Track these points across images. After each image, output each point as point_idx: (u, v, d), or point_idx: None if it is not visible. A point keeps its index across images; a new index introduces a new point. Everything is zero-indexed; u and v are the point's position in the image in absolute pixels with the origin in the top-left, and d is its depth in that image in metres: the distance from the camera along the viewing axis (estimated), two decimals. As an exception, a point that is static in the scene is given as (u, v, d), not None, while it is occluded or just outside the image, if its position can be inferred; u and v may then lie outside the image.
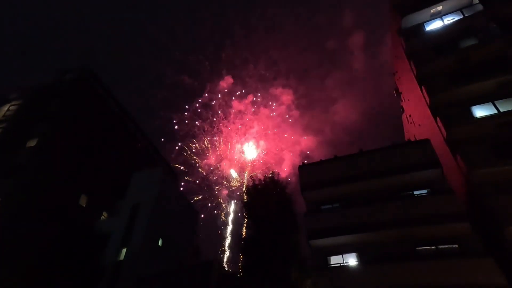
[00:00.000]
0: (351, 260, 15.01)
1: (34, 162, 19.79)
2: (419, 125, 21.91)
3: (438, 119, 16.72)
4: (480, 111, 15.77)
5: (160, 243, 22.64)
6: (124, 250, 20.28)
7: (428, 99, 17.71)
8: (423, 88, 18.29)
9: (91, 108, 25.28)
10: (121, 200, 23.56)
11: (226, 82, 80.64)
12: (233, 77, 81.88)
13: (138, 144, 31.17)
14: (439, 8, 20.11)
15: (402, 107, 27.77)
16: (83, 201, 22.38)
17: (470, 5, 19.26)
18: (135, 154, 30.13)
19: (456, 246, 13.07)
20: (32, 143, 20.98)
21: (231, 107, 79.21)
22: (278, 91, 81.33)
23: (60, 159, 21.13)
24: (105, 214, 24.04)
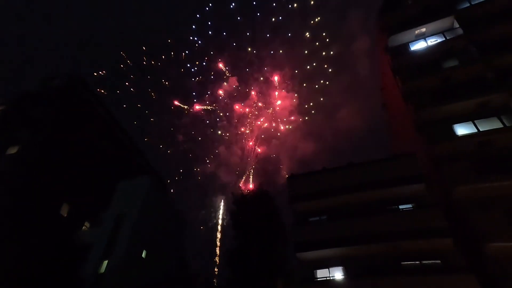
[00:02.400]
0: (338, 274, 15.03)
1: (14, 169, 19.08)
2: (405, 140, 22.56)
3: (421, 135, 17.28)
4: (461, 129, 16.43)
5: (144, 255, 21.98)
6: (106, 262, 19.55)
7: (412, 116, 18.32)
8: (408, 104, 18.94)
9: (77, 115, 24.72)
10: (105, 210, 22.87)
11: (229, 85, 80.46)
12: (234, 80, 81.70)
13: (125, 152, 30.56)
14: (423, 30, 21.13)
15: (389, 121, 28.58)
16: (64, 211, 21.57)
17: (451, 28, 20.34)
18: (122, 162, 29.50)
19: (439, 261, 13.33)
20: (13, 150, 20.28)
21: (233, 110, 78.63)
22: (282, 95, 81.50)
23: (41, 167, 20.44)
24: (87, 224, 23.22)
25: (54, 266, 19.31)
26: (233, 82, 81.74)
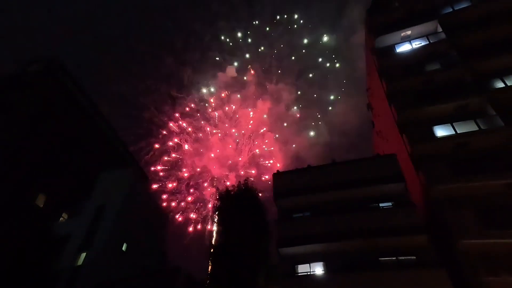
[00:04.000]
0: (318, 269, 15.29)
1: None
2: (387, 140, 23.16)
3: (403, 135, 17.79)
4: (440, 131, 17.03)
5: (124, 248, 21.56)
6: (84, 254, 19.04)
7: (395, 116, 18.82)
8: (391, 105, 19.42)
9: (57, 102, 23.72)
10: (84, 201, 22.21)
11: (226, 74, 77.34)
12: (232, 70, 78.34)
13: (107, 143, 29.68)
14: (408, 32, 21.68)
15: (373, 122, 29.22)
16: (40, 201, 20.75)
17: (435, 32, 20.98)
18: (104, 153, 28.65)
19: (414, 257, 13.82)
20: (-15, 136, 19.22)
21: (228, 102, 75.91)
22: (278, 87, 79.71)
23: (16, 155, 19.50)
24: (64, 215, 22.47)
25: (28, 259, 18.59)
26: (231, 71, 79.13)
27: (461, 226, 13.61)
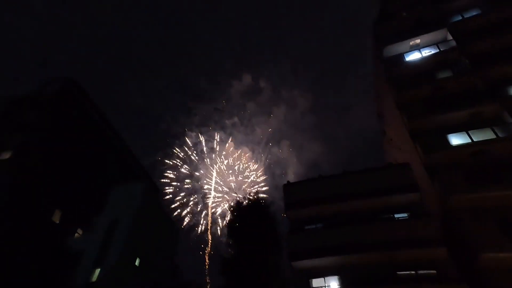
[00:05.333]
0: (333, 283, 14.89)
1: (7, 175, 18.76)
2: (400, 148, 22.74)
3: (417, 144, 17.45)
4: (455, 139, 16.62)
5: (137, 263, 21.60)
6: (98, 270, 19.15)
7: (407, 125, 18.54)
8: (403, 114, 19.17)
9: (72, 121, 24.56)
10: (98, 215, 22.53)
11: (242, 83, 77.45)
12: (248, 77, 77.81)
13: (120, 157, 30.31)
14: (418, 41, 21.61)
15: (384, 130, 28.82)
16: (56, 217, 21.21)
17: (445, 40, 20.82)
18: (117, 168, 29.22)
19: (434, 271, 13.30)
20: (6, 155, 19.96)
21: (245, 110, 75.47)
22: (294, 94, 79.12)
23: (35, 173, 20.16)
24: (79, 231, 22.80)
25: (45, 275, 18.86)
26: (247, 79, 79.48)
27: (482, 239, 13.04)
